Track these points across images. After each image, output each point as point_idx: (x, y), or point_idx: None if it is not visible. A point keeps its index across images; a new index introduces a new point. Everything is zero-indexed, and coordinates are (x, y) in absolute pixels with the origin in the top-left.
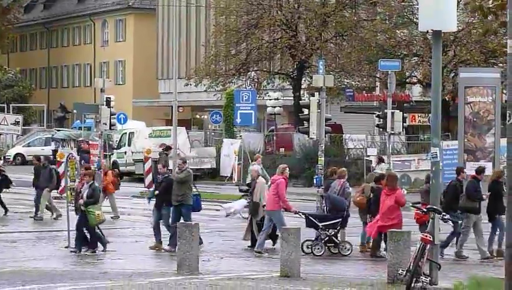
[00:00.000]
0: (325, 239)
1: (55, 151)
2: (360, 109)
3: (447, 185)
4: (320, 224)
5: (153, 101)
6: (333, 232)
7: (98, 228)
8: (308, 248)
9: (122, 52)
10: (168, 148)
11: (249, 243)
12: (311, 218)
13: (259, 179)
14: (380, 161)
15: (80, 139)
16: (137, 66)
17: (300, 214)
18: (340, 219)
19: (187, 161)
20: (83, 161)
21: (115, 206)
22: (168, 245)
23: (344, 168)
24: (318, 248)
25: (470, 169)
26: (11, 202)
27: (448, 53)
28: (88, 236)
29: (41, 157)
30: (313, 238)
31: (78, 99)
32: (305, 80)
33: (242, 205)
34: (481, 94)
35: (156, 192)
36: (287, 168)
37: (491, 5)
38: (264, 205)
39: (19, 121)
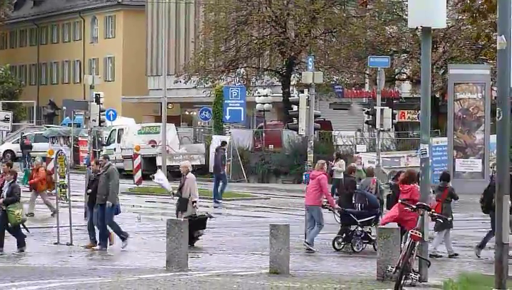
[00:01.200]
0: (362, 235)
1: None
2: (350, 106)
3: (488, 184)
4: (358, 221)
5: (142, 98)
6: (368, 229)
7: (24, 227)
8: (339, 244)
9: (111, 48)
10: (224, 143)
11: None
12: (351, 215)
13: (188, 175)
14: (338, 157)
15: (23, 134)
16: (126, 62)
17: (337, 211)
18: (375, 216)
19: (109, 157)
20: (26, 157)
21: (49, 202)
22: (99, 244)
23: (371, 165)
24: (357, 245)
25: (460, 166)
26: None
27: (437, 49)
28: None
29: None
30: (344, 235)
31: (67, 96)
32: (294, 77)
33: (168, 187)
34: (471, 91)
35: (89, 190)
36: (326, 164)
37: (480, 7)
38: (194, 201)
39: (8, 118)
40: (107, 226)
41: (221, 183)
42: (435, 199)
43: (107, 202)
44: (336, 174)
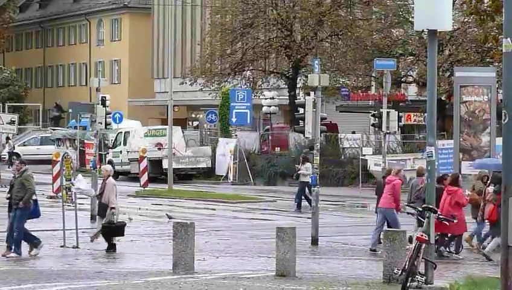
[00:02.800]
0: (436, 239)
1: (12, 154)
2: (356, 108)
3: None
4: None
5: (148, 101)
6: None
7: None
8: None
9: (117, 51)
10: (311, 148)
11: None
12: (420, 218)
13: (108, 179)
14: (305, 160)
15: None
16: (132, 65)
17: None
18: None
19: (25, 162)
20: None
21: None
22: (13, 251)
23: (422, 166)
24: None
25: (466, 168)
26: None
27: (444, 52)
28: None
29: None
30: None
31: (73, 99)
32: (300, 79)
33: (90, 192)
34: (476, 93)
35: (8, 195)
36: (402, 170)
37: (486, 7)
38: (112, 207)
39: (14, 120)
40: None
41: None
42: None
43: (20, 203)
44: (302, 177)
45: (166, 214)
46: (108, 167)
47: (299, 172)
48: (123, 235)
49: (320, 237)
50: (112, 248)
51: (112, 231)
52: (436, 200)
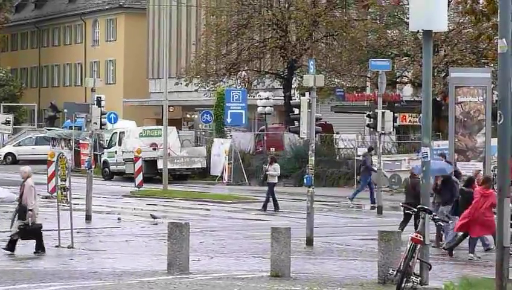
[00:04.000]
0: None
1: None
2: (351, 109)
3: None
4: None
5: (143, 101)
6: None
7: None
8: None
9: (112, 51)
10: (371, 148)
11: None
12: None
13: (27, 181)
14: (273, 161)
15: None
16: (128, 65)
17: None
18: None
19: None
20: None
21: None
22: None
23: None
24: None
25: (461, 168)
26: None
27: (439, 53)
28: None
29: None
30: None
31: (68, 99)
32: (295, 80)
33: (11, 199)
34: (472, 94)
35: None
36: (480, 172)
37: (482, 8)
38: (31, 210)
39: (9, 120)
40: None
41: (358, 188)
42: None
43: None
44: (270, 178)
45: (151, 215)
46: (27, 168)
47: (267, 173)
48: (40, 237)
49: (315, 237)
50: (11, 247)
51: (27, 232)
52: (466, 203)
